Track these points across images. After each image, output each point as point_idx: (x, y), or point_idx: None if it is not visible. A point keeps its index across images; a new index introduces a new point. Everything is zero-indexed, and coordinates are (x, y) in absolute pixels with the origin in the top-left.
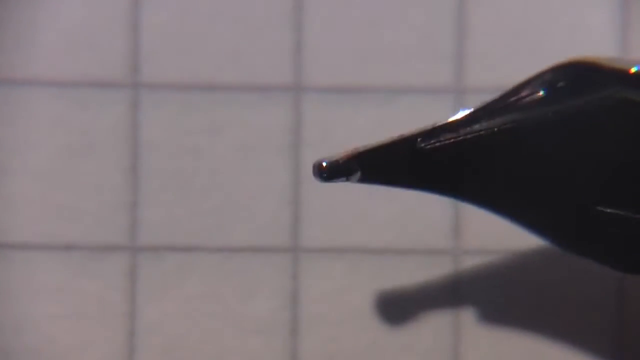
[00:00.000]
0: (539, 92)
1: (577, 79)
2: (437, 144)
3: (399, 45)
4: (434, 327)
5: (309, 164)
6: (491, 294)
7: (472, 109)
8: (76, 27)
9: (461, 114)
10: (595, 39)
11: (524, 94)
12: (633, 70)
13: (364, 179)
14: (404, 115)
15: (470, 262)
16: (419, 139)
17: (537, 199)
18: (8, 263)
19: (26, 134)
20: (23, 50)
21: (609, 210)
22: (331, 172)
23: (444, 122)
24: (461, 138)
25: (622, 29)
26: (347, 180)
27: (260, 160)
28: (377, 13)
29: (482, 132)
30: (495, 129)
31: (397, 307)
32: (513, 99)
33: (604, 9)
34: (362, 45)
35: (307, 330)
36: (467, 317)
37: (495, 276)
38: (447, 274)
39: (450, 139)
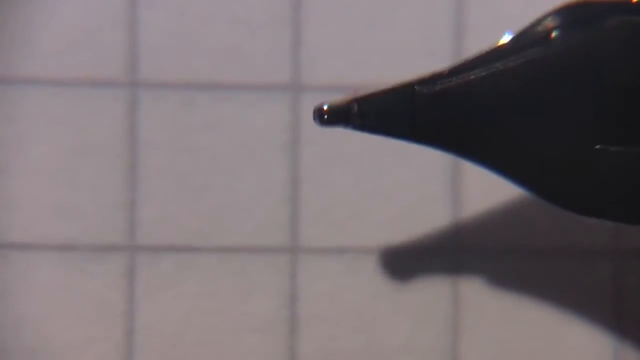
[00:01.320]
0: (541, 35)
1: (578, 17)
2: (435, 88)
3: (398, 44)
4: (433, 326)
5: (307, 163)
6: (490, 293)
7: (471, 57)
8: (74, 25)
9: (461, 60)
10: None
11: (524, 39)
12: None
13: (363, 125)
14: None
15: (469, 262)
16: (417, 85)
17: (537, 145)
18: (6, 262)
19: (24, 133)
20: (21, 49)
21: (613, 149)
22: (331, 115)
23: (444, 68)
24: (460, 81)
25: None
26: (347, 125)
27: (258, 159)
28: (376, 12)
29: (482, 74)
30: (494, 70)
31: (396, 307)
32: (513, 44)
33: None
34: (361, 44)
35: (305, 329)
36: (467, 316)
37: (495, 276)
38: (447, 274)
39: (449, 82)
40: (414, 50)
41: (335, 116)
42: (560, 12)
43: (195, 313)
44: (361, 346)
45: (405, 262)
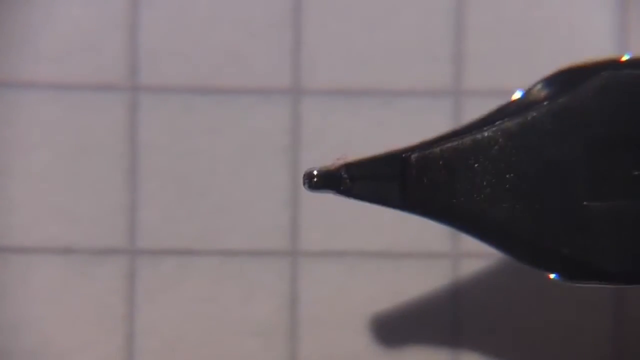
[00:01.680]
0: (529, 101)
1: (565, 80)
2: (425, 155)
3: (398, 48)
4: (432, 330)
5: (308, 166)
6: (490, 296)
7: (460, 125)
8: (75, 29)
9: (450, 129)
10: (595, 41)
11: (513, 106)
12: (624, 58)
13: (352, 190)
14: (403, 117)
15: (469, 265)
16: (406, 153)
17: (526, 205)
18: (6, 265)
19: (25, 136)
20: (21, 53)
21: (598, 204)
22: (320, 180)
23: (433, 136)
24: (447, 146)
25: (621, 29)
26: (337, 190)
27: (259, 163)
28: (376, 15)
29: (466, 139)
30: (480, 136)
31: (396, 310)
32: (504, 110)
33: (603, 10)
34: (361, 48)
35: (305, 333)
36: (466, 319)
37: (494, 279)
38: (446, 277)
39: (438, 149)
40: (415, 54)
41: (324, 181)
42: (548, 79)
43: (195, 316)
44: (361, 349)
45: (404, 265)
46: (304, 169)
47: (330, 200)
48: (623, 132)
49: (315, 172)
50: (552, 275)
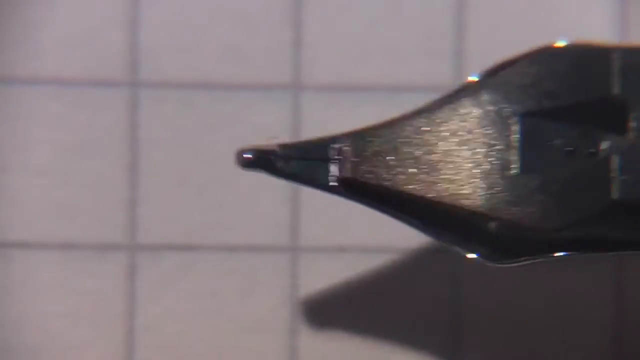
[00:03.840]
0: (462, 89)
1: (499, 67)
2: (355, 138)
3: (398, 44)
4: (433, 325)
5: None
6: (491, 293)
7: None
8: (75, 25)
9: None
10: (595, 39)
11: (446, 95)
12: (559, 44)
13: (285, 169)
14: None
15: (469, 262)
16: (338, 139)
17: (455, 184)
18: (7, 261)
19: (25, 132)
20: (22, 49)
21: (528, 176)
22: (254, 158)
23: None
24: (378, 132)
25: (621, 29)
26: (270, 171)
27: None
28: (376, 11)
29: (396, 126)
30: (409, 123)
31: (397, 306)
32: (436, 100)
33: (603, 9)
34: (362, 43)
35: (306, 328)
36: (467, 315)
37: (495, 276)
38: (446, 273)
39: (368, 133)
40: (415, 50)
41: (258, 159)
42: (483, 71)
43: (195, 312)
44: (361, 345)
45: (405, 261)
46: None
47: (331, 196)
48: (553, 106)
49: (248, 151)
50: (474, 256)
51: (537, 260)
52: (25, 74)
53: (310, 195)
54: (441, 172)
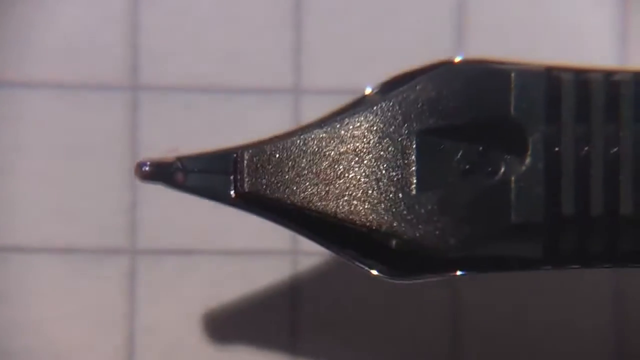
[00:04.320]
0: (363, 100)
1: (398, 80)
2: (255, 150)
3: (398, 48)
4: (433, 326)
5: None
6: (490, 293)
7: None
8: (75, 28)
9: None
10: (595, 40)
11: (349, 105)
12: (457, 59)
13: (185, 182)
14: None
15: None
16: (242, 149)
17: (354, 200)
18: (7, 265)
19: (25, 135)
20: (22, 52)
21: (428, 193)
22: (154, 170)
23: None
24: (278, 144)
25: (621, 29)
26: (169, 184)
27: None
28: (377, 15)
29: (296, 137)
30: (308, 135)
31: (397, 308)
32: (338, 110)
33: (603, 10)
34: (362, 47)
35: (306, 331)
36: (467, 315)
37: (494, 276)
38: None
39: (268, 145)
40: (415, 53)
41: (156, 172)
42: (384, 82)
43: (195, 316)
44: (361, 347)
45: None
46: None
47: None
48: (452, 124)
49: (147, 163)
50: (374, 272)
51: (438, 278)
52: (26, 77)
53: None
54: (340, 187)
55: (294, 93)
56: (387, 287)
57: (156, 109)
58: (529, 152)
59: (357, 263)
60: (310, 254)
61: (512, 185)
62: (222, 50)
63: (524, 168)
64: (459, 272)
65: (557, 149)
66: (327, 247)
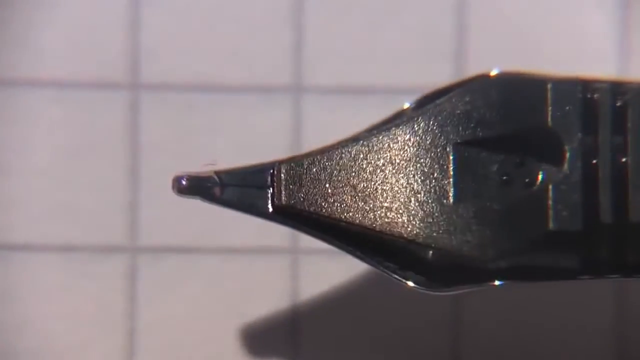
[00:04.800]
0: (400, 114)
1: (435, 95)
2: (292, 165)
3: (399, 46)
4: (433, 326)
5: None
6: (490, 294)
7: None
8: (76, 27)
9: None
10: (595, 40)
11: (384, 121)
12: (493, 73)
13: (223, 197)
14: None
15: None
16: (279, 164)
17: (393, 211)
18: (8, 263)
19: (26, 134)
20: (23, 51)
21: (466, 205)
22: (191, 185)
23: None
24: (315, 158)
25: (622, 29)
26: (207, 198)
27: (260, 161)
28: (377, 13)
29: (334, 151)
30: (345, 149)
31: (396, 307)
32: (375, 125)
33: (604, 10)
34: (362, 46)
35: (306, 330)
36: (467, 316)
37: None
38: None
39: (305, 159)
40: (416, 52)
41: (193, 187)
42: (421, 98)
43: (196, 314)
44: (361, 347)
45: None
46: None
47: None
48: (489, 135)
49: (185, 177)
50: (411, 284)
51: (475, 289)
52: (26, 76)
53: None
54: (378, 200)
55: (294, 92)
56: (387, 287)
57: (156, 108)
58: (566, 161)
59: (394, 276)
60: (310, 252)
61: (550, 194)
62: (222, 49)
63: (561, 176)
64: (497, 282)
65: (594, 160)
66: (365, 260)
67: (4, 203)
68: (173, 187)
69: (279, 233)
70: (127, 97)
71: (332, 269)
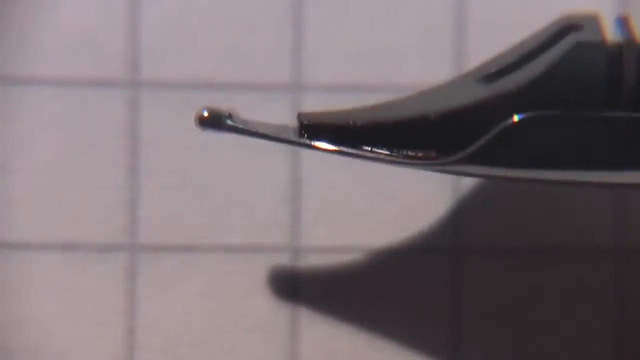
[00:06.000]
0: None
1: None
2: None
3: (399, 43)
4: (433, 325)
5: (308, 162)
6: (491, 293)
7: None
8: (76, 25)
9: None
10: None
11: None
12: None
13: (245, 125)
14: None
15: (470, 261)
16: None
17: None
18: (7, 262)
19: (26, 132)
20: (23, 49)
21: None
22: (210, 117)
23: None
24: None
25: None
26: (227, 128)
27: (259, 159)
28: (377, 11)
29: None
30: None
31: (396, 306)
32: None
33: (603, 8)
34: (362, 43)
35: (306, 329)
36: (468, 315)
37: (496, 275)
38: (447, 274)
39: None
40: (415, 50)
41: (213, 118)
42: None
43: (196, 312)
44: (362, 346)
45: (405, 262)
46: (305, 165)
47: (331, 196)
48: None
49: (205, 109)
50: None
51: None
52: (26, 74)
53: (310, 195)
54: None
55: (294, 90)
56: (386, 285)
57: (156, 106)
58: None
59: (411, 163)
60: (310, 251)
61: None
62: (222, 47)
63: None
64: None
65: None
66: (388, 158)
67: (3, 201)
68: (195, 121)
69: (278, 231)
70: (127, 95)
71: (332, 267)
